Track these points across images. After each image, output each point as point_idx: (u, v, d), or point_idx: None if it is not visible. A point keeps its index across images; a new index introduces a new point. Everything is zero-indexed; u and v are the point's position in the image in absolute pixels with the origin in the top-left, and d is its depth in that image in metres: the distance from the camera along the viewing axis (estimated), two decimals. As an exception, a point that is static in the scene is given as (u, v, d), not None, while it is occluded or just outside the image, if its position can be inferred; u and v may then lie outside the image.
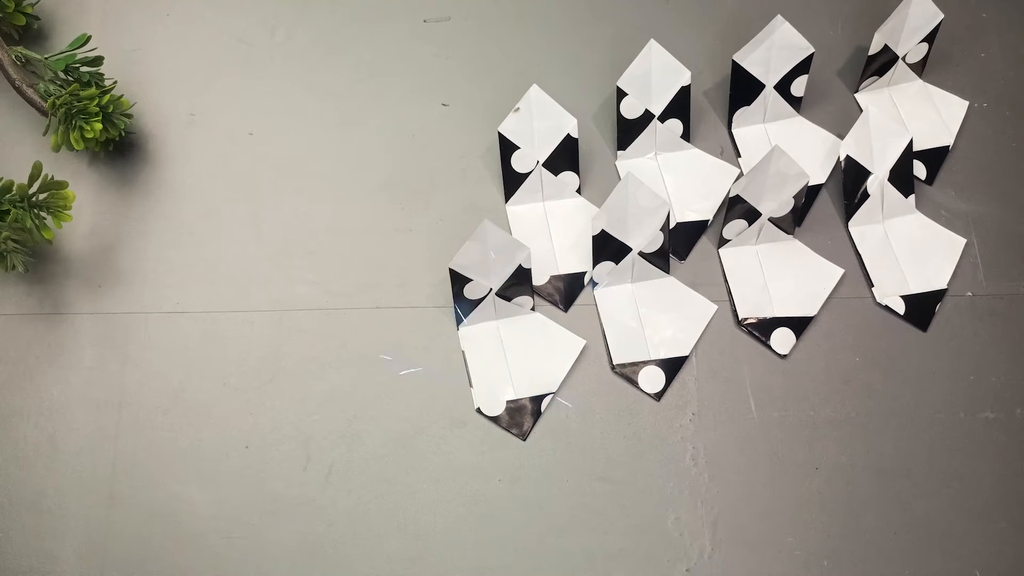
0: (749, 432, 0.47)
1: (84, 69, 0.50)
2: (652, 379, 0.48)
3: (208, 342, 0.49)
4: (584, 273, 0.50)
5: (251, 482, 0.46)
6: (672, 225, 0.51)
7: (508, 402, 0.48)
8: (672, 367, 0.48)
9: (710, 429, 0.47)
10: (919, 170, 0.53)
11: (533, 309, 0.48)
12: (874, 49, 0.53)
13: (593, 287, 0.50)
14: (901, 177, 0.51)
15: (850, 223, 0.52)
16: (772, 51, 0.51)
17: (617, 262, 0.49)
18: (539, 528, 0.46)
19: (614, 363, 0.49)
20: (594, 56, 0.56)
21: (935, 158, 0.53)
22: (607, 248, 0.48)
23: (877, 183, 0.51)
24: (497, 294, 0.47)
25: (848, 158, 0.51)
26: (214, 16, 0.56)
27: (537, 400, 0.48)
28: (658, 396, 0.48)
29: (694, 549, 0.46)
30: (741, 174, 0.53)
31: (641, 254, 0.49)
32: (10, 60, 0.49)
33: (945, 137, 0.54)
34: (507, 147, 0.50)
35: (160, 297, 0.50)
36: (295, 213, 0.52)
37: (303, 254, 0.51)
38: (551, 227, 0.51)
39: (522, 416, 0.47)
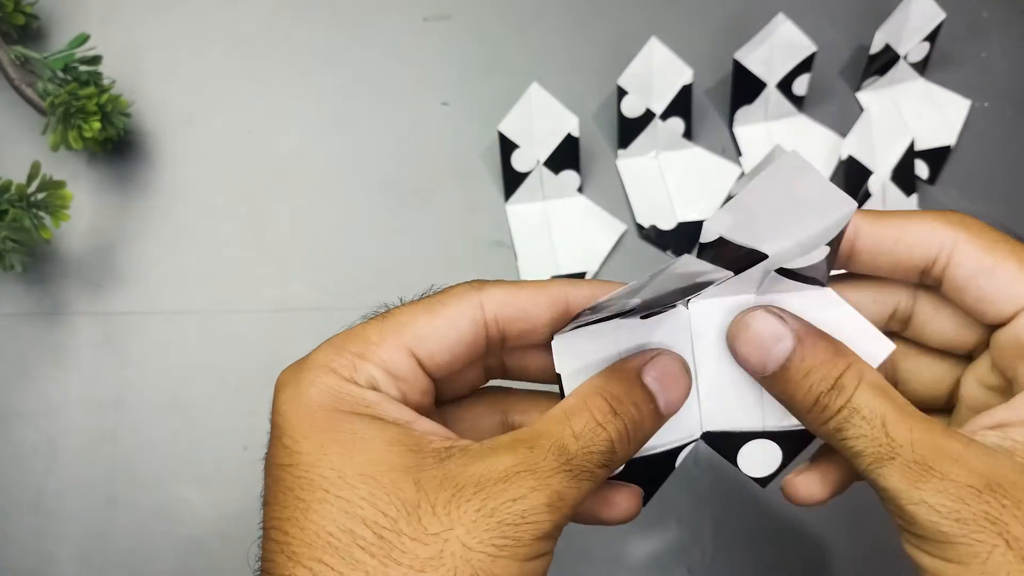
0: (750, 432, 0.47)
1: (83, 68, 0.50)
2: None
3: (207, 342, 0.49)
4: (584, 273, 0.50)
5: (251, 483, 0.46)
6: (673, 225, 0.51)
7: None
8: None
9: (711, 429, 0.47)
10: (921, 169, 0.53)
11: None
12: (875, 48, 0.53)
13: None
14: (903, 176, 0.51)
15: (852, 222, 0.51)
16: (774, 49, 0.51)
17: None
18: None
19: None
20: (595, 54, 0.55)
21: (937, 157, 0.53)
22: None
23: (879, 182, 0.51)
24: None
25: (850, 157, 0.51)
26: (213, 15, 0.56)
27: None
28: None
29: (695, 550, 0.46)
30: (743, 173, 0.53)
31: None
32: (9, 59, 0.49)
33: (947, 136, 0.54)
34: (507, 146, 0.49)
35: (159, 297, 0.50)
36: (295, 213, 0.52)
37: (302, 254, 0.51)
38: (552, 226, 0.51)
39: None
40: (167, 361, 0.49)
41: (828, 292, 0.28)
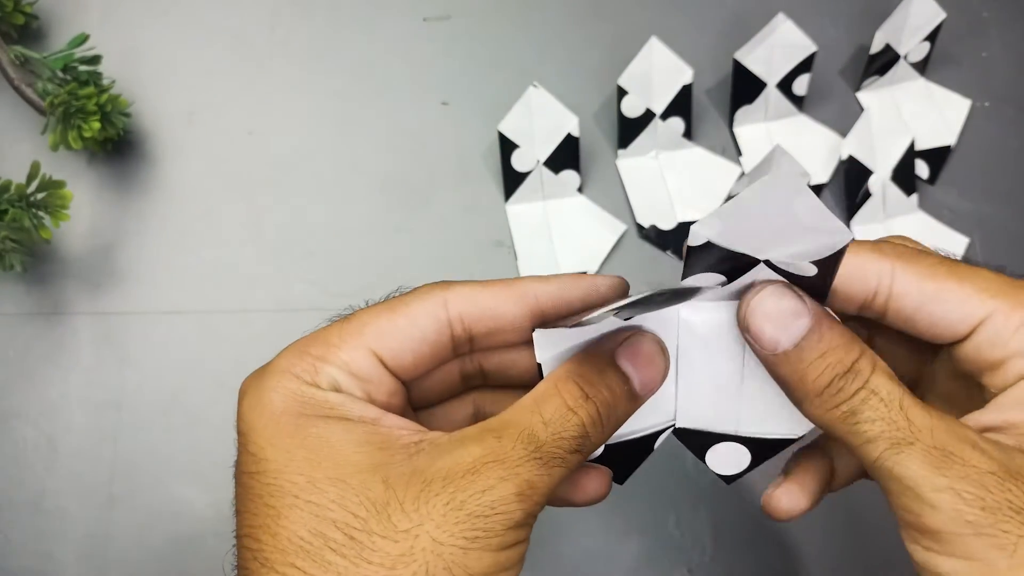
0: (750, 432, 0.47)
1: (82, 68, 0.50)
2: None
3: (207, 342, 0.49)
4: (584, 273, 0.50)
5: (251, 483, 0.46)
6: (673, 225, 0.51)
7: None
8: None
9: (711, 429, 0.47)
10: (921, 169, 0.53)
11: None
12: (875, 48, 0.53)
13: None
14: (903, 176, 0.51)
15: (852, 222, 0.51)
16: (774, 49, 0.51)
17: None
18: (539, 529, 0.46)
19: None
20: (595, 54, 0.55)
21: (937, 157, 0.53)
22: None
23: (879, 182, 0.51)
24: None
25: (850, 157, 0.51)
26: (213, 15, 0.56)
27: None
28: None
29: (695, 550, 0.46)
30: (743, 173, 0.53)
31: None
32: (9, 59, 0.49)
33: (947, 136, 0.54)
34: (507, 146, 0.49)
35: (158, 297, 0.50)
36: (294, 213, 0.52)
37: (302, 254, 0.51)
38: (551, 226, 0.51)
39: None
40: (167, 361, 0.49)
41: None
